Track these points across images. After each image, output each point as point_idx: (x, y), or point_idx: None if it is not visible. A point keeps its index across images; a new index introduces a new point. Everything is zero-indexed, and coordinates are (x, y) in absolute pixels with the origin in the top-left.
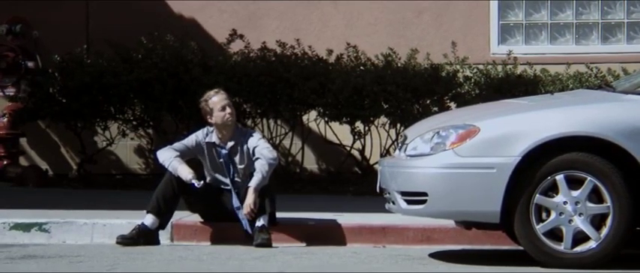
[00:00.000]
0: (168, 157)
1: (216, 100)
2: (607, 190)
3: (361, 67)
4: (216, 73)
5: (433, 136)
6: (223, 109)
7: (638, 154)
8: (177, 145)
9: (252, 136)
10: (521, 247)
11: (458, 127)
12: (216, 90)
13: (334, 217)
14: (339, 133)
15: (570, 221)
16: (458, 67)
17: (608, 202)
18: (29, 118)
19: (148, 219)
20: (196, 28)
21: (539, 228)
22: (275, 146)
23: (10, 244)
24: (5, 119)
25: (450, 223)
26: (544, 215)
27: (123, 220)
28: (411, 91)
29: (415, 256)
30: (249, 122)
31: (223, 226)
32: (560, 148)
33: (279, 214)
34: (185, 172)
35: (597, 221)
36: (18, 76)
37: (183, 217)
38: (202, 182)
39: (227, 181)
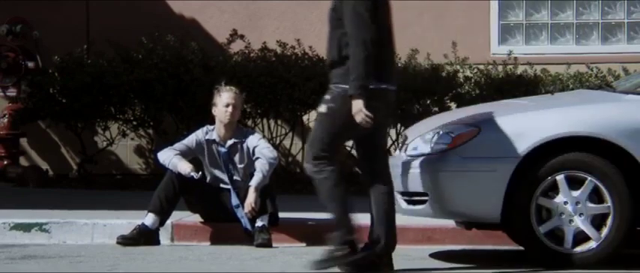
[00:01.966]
0: (168, 156)
1: (224, 96)
2: (607, 190)
3: None
4: (217, 74)
5: (433, 136)
6: (227, 106)
7: (639, 154)
8: (177, 145)
9: (252, 135)
10: (521, 247)
11: (458, 127)
12: (231, 87)
13: None
14: None
15: (571, 221)
16: (458, 67)
17: (609, 202)
18: (29, 119)
19: (149, 219)
20: (197, 28)
21: (540, 228)
22: (275, 146)
23: (11, 245)
24: (5, 119)
25: (450, 223)
26: (544, 215)
27: (123, 220)
28: (411, 91)
29: (415, 256)
30: (249, 122)
31: (223, 226)
32: (560, 149)
33: (279, 214)
34: (184, 166)
35: (598, 221)
36: (18, 77)
37: (184, 217)
38: (201, 173)
39: (226, 179)
